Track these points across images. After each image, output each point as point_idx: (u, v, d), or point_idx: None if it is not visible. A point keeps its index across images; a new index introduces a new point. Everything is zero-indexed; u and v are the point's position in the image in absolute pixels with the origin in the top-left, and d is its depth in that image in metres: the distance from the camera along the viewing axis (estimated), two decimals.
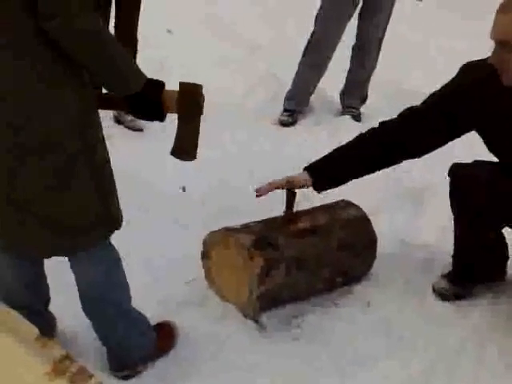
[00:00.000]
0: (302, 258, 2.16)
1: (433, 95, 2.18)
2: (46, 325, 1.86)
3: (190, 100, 1.68)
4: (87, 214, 1.61)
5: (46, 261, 1.85)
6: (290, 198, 2.23)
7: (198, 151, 1.73)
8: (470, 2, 5.90)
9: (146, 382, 1.93)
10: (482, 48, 4.84)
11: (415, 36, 5.09)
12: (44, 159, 1.49)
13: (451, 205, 2.23)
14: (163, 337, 2.03)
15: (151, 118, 1.68)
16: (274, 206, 2.33)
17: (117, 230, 1.71)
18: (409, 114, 2.20)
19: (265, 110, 3.82)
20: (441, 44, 5.02)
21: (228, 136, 3.49)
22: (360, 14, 3.61)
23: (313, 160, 2.23)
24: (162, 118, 1.68)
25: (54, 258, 1.70)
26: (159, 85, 1.64)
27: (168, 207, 2.77)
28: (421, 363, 2.05)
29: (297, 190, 2.22)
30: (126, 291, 1.87)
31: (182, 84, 1.68)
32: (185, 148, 1.72)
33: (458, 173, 2.17)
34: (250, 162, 3.22)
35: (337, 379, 1.97)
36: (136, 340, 1.91)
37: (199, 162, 2.99)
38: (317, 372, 1.99)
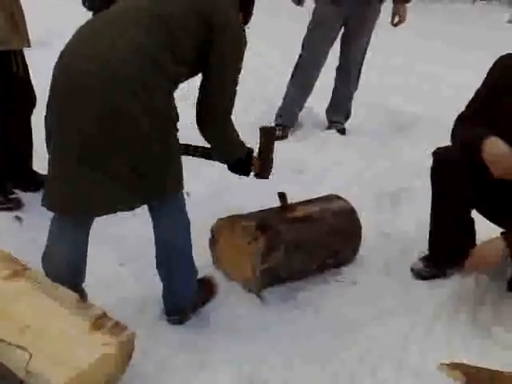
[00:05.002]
0: (298, 241, 2.50)
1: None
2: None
3: (270, 139, 2.48)
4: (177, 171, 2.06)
5: None
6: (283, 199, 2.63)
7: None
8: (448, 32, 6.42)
9: (169, 345, 2.21)
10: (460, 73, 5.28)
11: (394, 61, 5.55)
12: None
13: (432, 182, 2.56)
14: (205, 290, 2.37)
15: (241, 174, 2.40)
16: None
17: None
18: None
19: (258, 125, 4.17)
20: (418, 68, 5.47)
21: None
22: (342, 39, 4.03)
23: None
24: (248, 175, 2.41)
25: None
26: (251, 152, 2.34)
27: None
28: (400, 328, 2.38)
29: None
30: (190, 241, 2.20)
31: (262, 128, 2.50)
32: (266, 171, 2.47)
33: (440, 152, 2.51)
34: None
35: (328, 339, 2.30)
36: (191, 288, 2.26)
37: (200, 173, 3.40)
38: (311, 335, 2.31)
